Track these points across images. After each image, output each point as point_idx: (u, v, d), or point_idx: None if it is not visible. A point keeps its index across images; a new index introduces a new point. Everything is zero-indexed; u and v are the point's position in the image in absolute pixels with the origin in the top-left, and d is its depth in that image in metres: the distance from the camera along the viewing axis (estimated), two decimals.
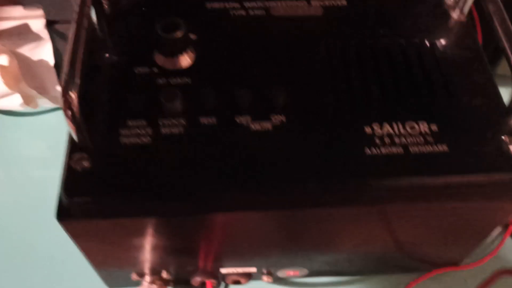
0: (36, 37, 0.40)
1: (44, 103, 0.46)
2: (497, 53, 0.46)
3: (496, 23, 0.29)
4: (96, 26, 0.32)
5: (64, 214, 0.26)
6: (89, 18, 0.28)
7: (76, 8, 0.28)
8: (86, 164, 0.26)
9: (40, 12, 0.38)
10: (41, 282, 0.39)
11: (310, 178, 0.27)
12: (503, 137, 0.28)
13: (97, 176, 0.26)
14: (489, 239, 0.42)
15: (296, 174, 0.27)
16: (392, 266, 0.39)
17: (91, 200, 0.26)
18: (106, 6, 0.33)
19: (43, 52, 0.41)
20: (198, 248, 0.32)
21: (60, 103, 0.44)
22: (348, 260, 0.37)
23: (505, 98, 0.32)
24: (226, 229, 0.29)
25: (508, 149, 0.28)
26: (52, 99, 0.45)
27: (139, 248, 0.31)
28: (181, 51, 0.30)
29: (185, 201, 0.27)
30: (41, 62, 0.42)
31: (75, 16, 0.27)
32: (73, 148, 0.27)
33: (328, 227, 0.30)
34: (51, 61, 0.41)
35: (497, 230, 0.42)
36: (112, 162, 0.27)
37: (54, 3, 0.37)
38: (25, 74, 0.42)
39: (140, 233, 0.29)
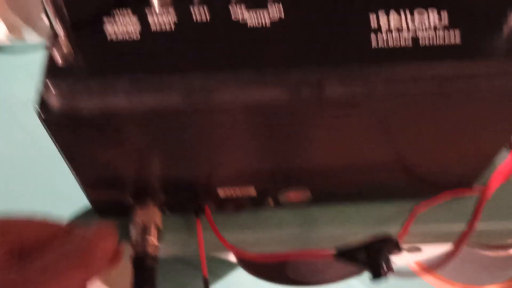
0: None
1: (31, 36, 0.44)
2: None
3: None
4: None
5: (46, 109, 0.25)
6: None
7: None
8: (68, 54, 0.24)
9: None
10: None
11: (310, 69, 0.25)
12: None
13: (79, 67, 0.24)
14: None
15: (296, 63, 0.25)
16: (398, 190, 0.37)
17: (73, 92, 0.24)
18: None
19: None
20: (190, 158, 0.30)
21: (44, 36, 0.43)
22: (351, 182, 0.35)
23: None
24: (221, 129, 0.27)
25: None
26: (38, 31, 0.43)
27: (126, 155, 0.29)
28: None
29: (174, 92, 0.25)
30: None
31: None
32: (56, 38, 0.25)
33: (328, 126, 0.28)
34: None
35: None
36: (97, 56, 0.25)
37: None
38: (11, 1, 0.40)
39: (127, 132, 0.27)
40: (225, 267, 0.90)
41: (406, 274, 0.37)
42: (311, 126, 0.28)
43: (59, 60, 0.24)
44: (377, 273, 0.27)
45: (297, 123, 0.27)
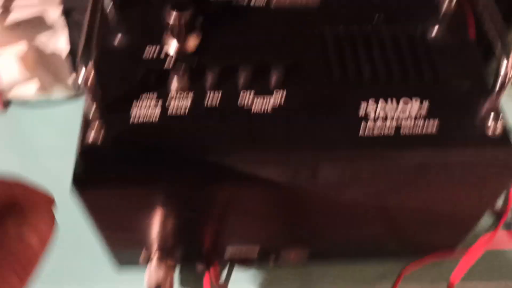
0: (52, 25, 0.42)
1: (59, 93, 0.48)
2: (489, 50, 0.48)
3: (486, 17, 0.30)
4: (108, 8, 0.34)
5: (79, 184, 0.28)
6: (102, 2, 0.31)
7: None
8: (99, 136, 0.29)
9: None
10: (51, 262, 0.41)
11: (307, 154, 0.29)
12: (489, 116, 0.29)
13: (109, 148, 0.28)
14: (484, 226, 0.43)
15: (295, 146, 0.29)
16: (388, 250, 0.40)
17: (104, 171, 0.28)
18: None
19: (58, 40, 0.43)
20: (203, 224, 0.34)
21: (68, 92, 0.47)
22: (346, 244, 0.39)
23: None
24: (228, 202, 0.32)
25: (494, 129, 0.29)
26: (66, 87, 0.47)
27: (148, 222, 0.33)
28: (189, 31, 0.32)
29: (191, 170, 0.29)
30: (57, 50, 0.44)
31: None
32: (88, 121, 0.29)
33: (324, 197, 0.32)
34: (66, 49, 0.43)
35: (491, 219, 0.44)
36: (123, 136, 0.29)
37: None
38: (41, 61, 0.45)
39: (149, 204, 0.31)
40: None
41: None
42: (310, 197, 0.32)
43: (90, 143, 0.29)
44: None
45: (297, 196, 0.31)
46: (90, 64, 0.27)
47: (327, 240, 0.38)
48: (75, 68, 0.45)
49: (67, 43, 0.43)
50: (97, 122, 0.29)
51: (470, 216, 0.36)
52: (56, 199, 0.39)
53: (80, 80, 0.27)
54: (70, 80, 0.47)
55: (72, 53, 0.44)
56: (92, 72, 0.27)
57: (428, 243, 0.39)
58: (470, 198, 0.33)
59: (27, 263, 0.20)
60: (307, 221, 0.35)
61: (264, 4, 0.36)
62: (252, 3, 0.36)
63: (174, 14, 0.31)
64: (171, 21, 0.31)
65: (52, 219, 0.23)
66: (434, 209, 0.34)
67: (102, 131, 0.29)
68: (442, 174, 0.30)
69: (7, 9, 0.41)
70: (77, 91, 0.48)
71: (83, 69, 0.27)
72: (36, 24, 0.42)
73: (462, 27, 0.35)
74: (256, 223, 0.35)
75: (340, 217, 0.35)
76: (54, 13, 0.41)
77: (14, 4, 0.40)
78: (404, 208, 0.34)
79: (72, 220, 0.41)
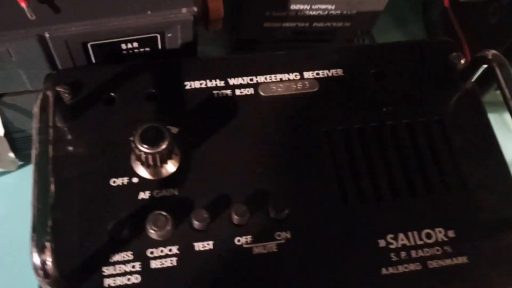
0: None
1: None
2: (486, 78, 0.44)
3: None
4: (60, 125, 0.27)
5: None
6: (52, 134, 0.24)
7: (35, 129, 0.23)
8: None
9: None
10: None
11: None
12: None
13: None
14: None
15: None
16: None
17: None
18: (69, 101, 0.28)
19: None
20: None
21: (11, 168, 0.40)
22: None
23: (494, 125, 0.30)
24: None
25: None
26: (3, 165, 0.40)
27: None
28: (165, 161, 0.26)
29: None
30: None
31: (36, 145, 0.23)
32: None
33: None
34: (0, 131, 0.36)
35: None
36: None
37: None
38: None
39: None
40: None
41: None
42: None
43: None
44: None
45: None
46: (48, 245, 0.21)
47: None
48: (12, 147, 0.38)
49: (1, 124, 0.35)
50: None
51: None
52: None
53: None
54: (7, 157, 0.39)
55: (8, 132, 0.36)
56: (51, 253, 0.21)
57: None
58: None
59: None
60: None
61: (253, 93, 0.30)
62: (238, 92, 0.30)
63: (146, 149, 0.24)
64: (142, 156, 0.25)
65: None
66: None
67: None
68: None
69: None
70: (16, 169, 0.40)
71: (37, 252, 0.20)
72: None
73: (480, 109, 0.31)
74: None
75: None
76: None
77: None
78: None
79: None
